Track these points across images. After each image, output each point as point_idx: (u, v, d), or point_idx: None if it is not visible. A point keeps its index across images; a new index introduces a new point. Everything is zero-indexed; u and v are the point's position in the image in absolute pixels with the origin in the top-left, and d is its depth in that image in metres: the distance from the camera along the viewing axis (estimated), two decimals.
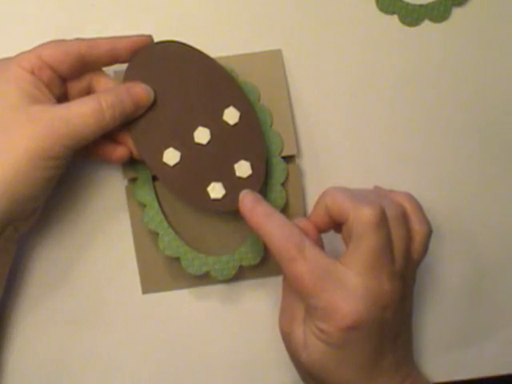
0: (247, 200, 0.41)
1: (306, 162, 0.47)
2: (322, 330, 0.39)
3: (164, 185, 0.43)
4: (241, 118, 0.43)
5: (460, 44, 0.49)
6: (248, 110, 0.43)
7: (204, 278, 0.45)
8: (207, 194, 0.42)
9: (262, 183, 0.43)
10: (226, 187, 0.42)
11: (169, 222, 0.45)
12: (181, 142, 0.42)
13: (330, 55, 0.48)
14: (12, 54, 0.41)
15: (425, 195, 0.48)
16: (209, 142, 0.42)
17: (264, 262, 0.45)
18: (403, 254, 0.40)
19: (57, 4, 0.47)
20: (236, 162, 0.43)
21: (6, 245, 0.42)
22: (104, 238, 0.46)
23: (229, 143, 0.43)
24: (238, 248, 0.45)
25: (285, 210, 0.46)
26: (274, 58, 0.47)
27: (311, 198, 0.47)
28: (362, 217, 0.39)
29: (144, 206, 0.45)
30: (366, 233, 0.38)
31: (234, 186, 0.42)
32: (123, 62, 0.42)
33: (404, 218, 0.40)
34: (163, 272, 0.46)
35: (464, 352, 0.47)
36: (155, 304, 0.46)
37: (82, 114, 0.39)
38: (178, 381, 0.46)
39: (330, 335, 0.38)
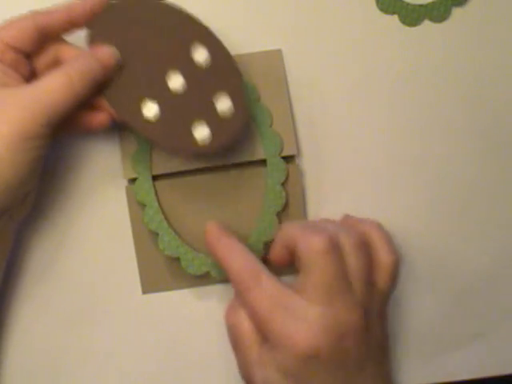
0: (212, 232, 0.42)
1: (306, 162, 0.47)
2: (278, 360, 0.38)
3: (149, 139, 0.42)
4: (210, 54, 0.42)
5: (460, 44, 0.49)
6: (216, 44, 0.42)
7: (204, 278, 0.45)
8: (193, 139, 0.42)
9: (246, 116, 0.42)
10: (210, 127, 0.42)
11: (169, 222, 0.45)
12: (156, 93, 0.41)
13: (330, 55, 0.48)
14: None
15: (424, 195, 0.48)
16: (184, 86, 0.42)
17: (263, 262, 0.45)
18: (364, 284, 0.39)
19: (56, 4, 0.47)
20: (215, 98, 0.42)
21: (2, 235, 0.41)
22: (104, 238, 0.46)
23: (204, 82, 0.42)
24: None
25: (285, 210, 0.46)
26: (274, 58, 0.47)
27: (311, 198, 0.47)
28: (308, 245, 0.39)
29: (144, 205, 0.45)
30: (314, 261, 0.38)
31: (218, 123, 0.42)
32: (82, 26, 0.42)
33: (364, 246, 0.40)
34: (163, 272, 0.46)
35: (464, 352, 0.47)
36: (155, 304, 0.46)
37: (52, 89, 0.38)
38: (177, 381, 0.46)
39: (286, 365, 0.38)
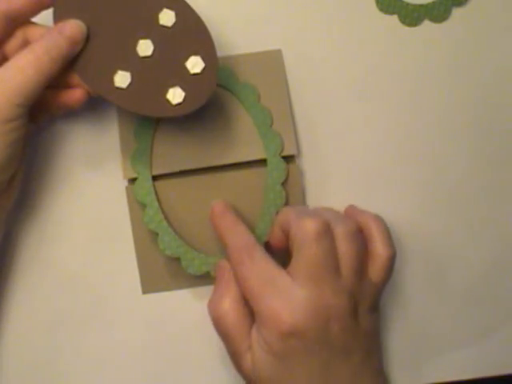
0: (217, 209, 0.44)
1: (306, 162, 0.47)
2: (264, 338, 0.39)
3: (126, 109, 0.42)
4: (177, 16, 0.42)
5: (460, 44, 0.49)
6: (182, 6, 0.42)
7: (204, 278, 0.45)
8: (169, 102, 0.42)
9: (217, 71, 0.42)
10: (184, 89, 0.42)
11: (169, 222, 0.45)
12: (127, 62, 0.41)
13: (330, 55, 0.48)
14: None
15: (425, 195, 0.48)
16: (154, 52, 0.42)
17: None
18: (354, 271, 0.40)
19: None
20: (186, 60, 0.42)
21: None
22: (104, 238, 0.46)
23: (174, 45, 0.42)
24: None
25: None
26: (274, 58, 0.47)
27: (311, 198, 0.47)
28: (301, 228, 0.40)
29: (144, 205, 0.45)
30: (305, 243, 0.39)
31: (191, 84, 0.42)
32: (49, 6, 0.41)
33: (358, 235, 0.41)
34: (163, 272, 0.46)
35: (464, 352, 0.47)
36: (155, 304, 0.46)
37: (21, 68, 0.39)
38: (177, 381, 0.46)
39: (271, 342, 0.39)
